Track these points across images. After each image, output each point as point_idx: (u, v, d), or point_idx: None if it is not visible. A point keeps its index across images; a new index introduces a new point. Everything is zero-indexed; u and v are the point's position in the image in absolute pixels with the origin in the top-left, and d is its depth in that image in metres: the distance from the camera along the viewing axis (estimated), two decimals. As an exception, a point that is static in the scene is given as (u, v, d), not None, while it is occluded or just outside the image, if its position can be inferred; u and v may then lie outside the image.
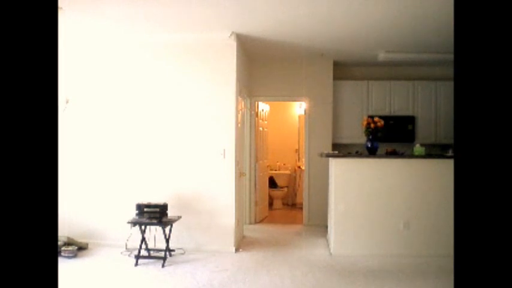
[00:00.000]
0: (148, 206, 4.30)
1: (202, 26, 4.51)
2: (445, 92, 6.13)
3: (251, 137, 6.23)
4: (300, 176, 7.72)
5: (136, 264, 4.14)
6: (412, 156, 4.67)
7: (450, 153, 4.73)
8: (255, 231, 5.81)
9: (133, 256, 4.23)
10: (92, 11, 4.07)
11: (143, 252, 4.31)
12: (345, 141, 6.28)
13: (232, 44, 4.72)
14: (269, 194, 7.34)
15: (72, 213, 4.81)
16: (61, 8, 3.62)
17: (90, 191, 4.94)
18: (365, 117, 4.96)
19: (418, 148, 4.72)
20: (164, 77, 4.87)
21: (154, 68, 4.89)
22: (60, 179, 3.83)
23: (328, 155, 4.79)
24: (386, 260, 4.31)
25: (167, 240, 4.32)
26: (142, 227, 4.29)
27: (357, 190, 4.57)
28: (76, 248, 4.47)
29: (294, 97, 6.59)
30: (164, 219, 4.28)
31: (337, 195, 4.61)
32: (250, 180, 6.20)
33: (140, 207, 4.31)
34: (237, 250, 4.71)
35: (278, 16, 4.21)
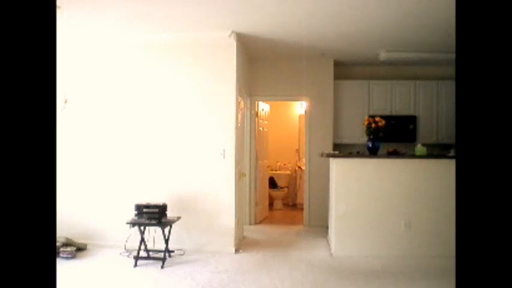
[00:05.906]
0: (148, 206, 4.27)
1: (201, 25, 4.48)
2: (447, 91, 6.10)
3: (251, 137, 6.20)
4: (300, 176, 7.69)
5: (136, 265, 4.12)
6: (413, 156, 4.65)
7: (452, 153, 4.71)
8: (255, 231, 5.79)
9: (133, 257, 4.21)
10: (90, 10, 4.04)
11: (142, 253, 4.28)
12: (345, 141, 6.25)
13: (232, 43, 4.70)
14: (269, 194, 7.32)
15: (71, 214, 4.79)
16: (59, 7, 3.59)
17: (89, 191, 4.92)
18: (366, 117, 4.93)
19: (419, 148, 4.69)
20: (163, 77, 4.85)
21: (154, 68, 4.87)
22: (58, 179, 3.82)
23: (329, 155, 4.76)
24: (387, 261, 4.29)
25: (166, 241, 4.29)
26: (142, 227, 4.26)
27: (358, 190, 4.54)
28: (75, 248, 4.45)
29: (294, 97, 6.56)
30: (163, 220, 4.25)
31: (338, 195, 4.59)
32: (250, 180, 6.17)
33: (139, 208, 4.29)
34: (237, 251, 4.68)
35: (278, 15, 4.18)
